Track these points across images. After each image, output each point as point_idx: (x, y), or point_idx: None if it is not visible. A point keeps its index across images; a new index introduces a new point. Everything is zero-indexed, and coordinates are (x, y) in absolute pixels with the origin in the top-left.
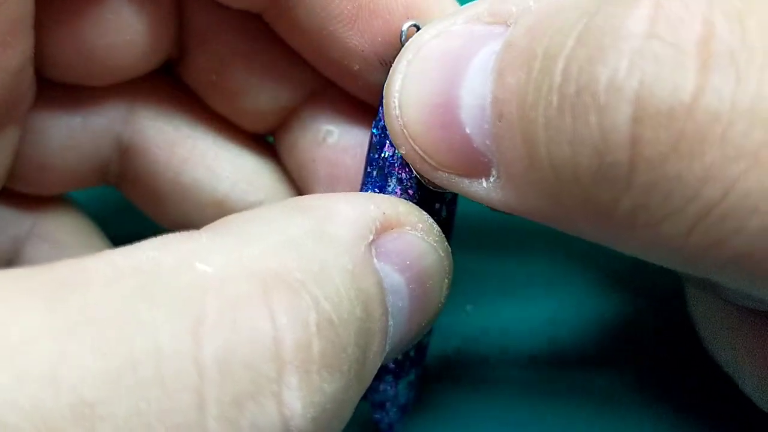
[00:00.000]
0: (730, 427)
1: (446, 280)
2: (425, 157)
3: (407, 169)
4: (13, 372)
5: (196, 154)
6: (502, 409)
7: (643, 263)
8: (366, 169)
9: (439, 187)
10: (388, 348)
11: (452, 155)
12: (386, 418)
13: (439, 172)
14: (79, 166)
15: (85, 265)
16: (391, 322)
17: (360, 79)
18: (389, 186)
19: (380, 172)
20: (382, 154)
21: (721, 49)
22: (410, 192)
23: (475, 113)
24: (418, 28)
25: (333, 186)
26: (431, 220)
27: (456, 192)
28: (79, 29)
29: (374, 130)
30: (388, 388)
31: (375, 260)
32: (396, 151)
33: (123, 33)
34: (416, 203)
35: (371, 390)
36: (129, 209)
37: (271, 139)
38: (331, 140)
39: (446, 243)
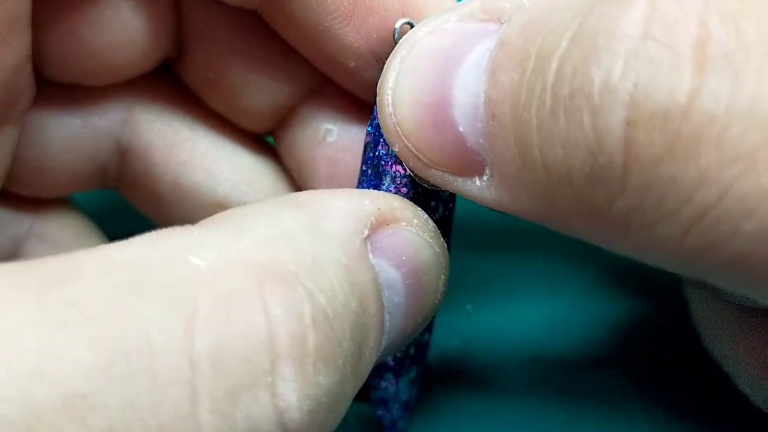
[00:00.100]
0: (729, 427)
1: (442, 276)
2: (418, 155)
3: (401, 167)
4: (2, 364)
5: (195, 155)
6: (501, 408)
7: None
8: (362, 167)
9: (434, 186)
10: (384, 344)
11: (445, 154)
12: (388, 416)
13: (433, 170)
14: (78, 169)
15: (77, 259)
16: (387, 318)
17: (356, 76)
18: (384, 184)
19: (375, 170)
20: (377, 152)
21: (717, 50)
22: (404, 190)
23: (469, 112)
24: (412, 26)
25: (333, 184)
26: (426, 216)
27: (450, 190)
28: (76, 27)
29: (369, 128)
30: (389, 385)
31: (370, 255)
32: (390, 149)
33: (121, 31)
34: (411, 201)
35: (372, 387)
36: (128, 210)
37: (271, 140)
38: (330, 139)
39: (442, 239)
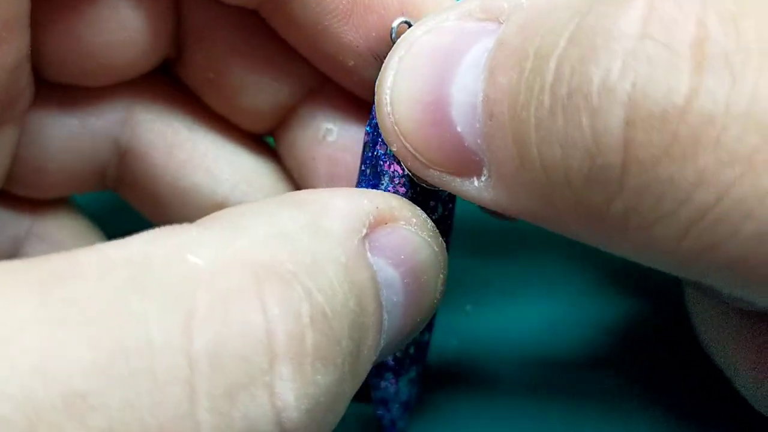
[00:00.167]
0: (729, 427)
1: (441, 276)
2: (416, 154)
3: (400, 167)
4: (3, 363)
5: (195, 156)
6: (500, 409)
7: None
8: (360, 167)
9: (432, 185)
10: (383, 343)
11: (443, 153)
12: (388, 415)
13: (431, 170)
14: (77, 170)
15: (77, 257)
16: (385, 317)
17: (355, 75)
18: (382, 184)
19: (373, 169)
20: (375, 152)
21: (716, 51)
22: (402, 189)
23: (466, 111)
24: (410, 25)
25: (333, 184)
26: (425, 215)
27: (448, 191)
28: (75, 27)
29: (368, 128)
30: (389, 385)
31: (369, 254)
32: (388, 149)
33: (120, 31)
34: (410, 200)
35: (372, 387)
36: (128, 210)
37: (271, 140)
38: (330, 138)
39: (440, 238)
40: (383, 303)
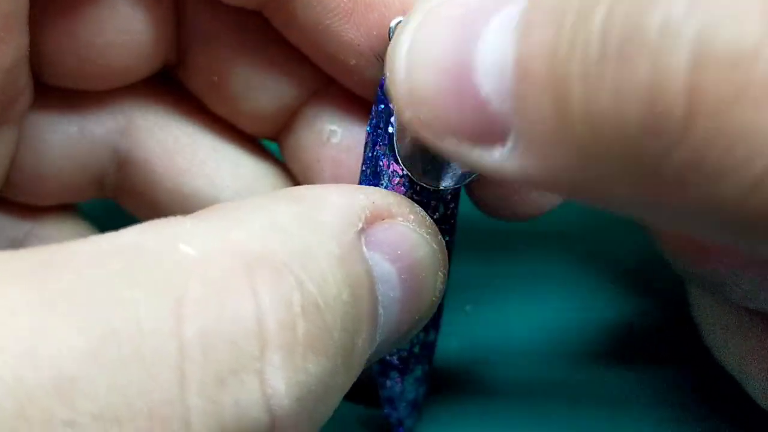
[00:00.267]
0: (731, 427)
1: (440, 274)
2: (433, 123)
3: (399, 167)
4: None
5: (195, 163)
6: (500, 409)
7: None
8: (361, 167)
9: (432, 185)
10: (379, 338)
11: (464, 120)
12: (395, 414)
13: (447, 140)
14: (75, 177)
15: (69, 247)
16: (381, 311)
17: (356, 75)
18: (382, 183)
19: (373, 169)
20: (374, 152)
21: None
22: (402, 189)
23: (494, 73)
24: None
25: None
26: (424, 212)
27: (464, 164)
28: (74, 27)
29: (368, 128)
30: (395, 384)
31: (364, 248)
32: (387, 149)
33: (120, 32)
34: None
35: (379, 386)
36: (128, 215)
37: (271, 145)
38: (334, 140)
39: (440, 237)
40: (379, 297)
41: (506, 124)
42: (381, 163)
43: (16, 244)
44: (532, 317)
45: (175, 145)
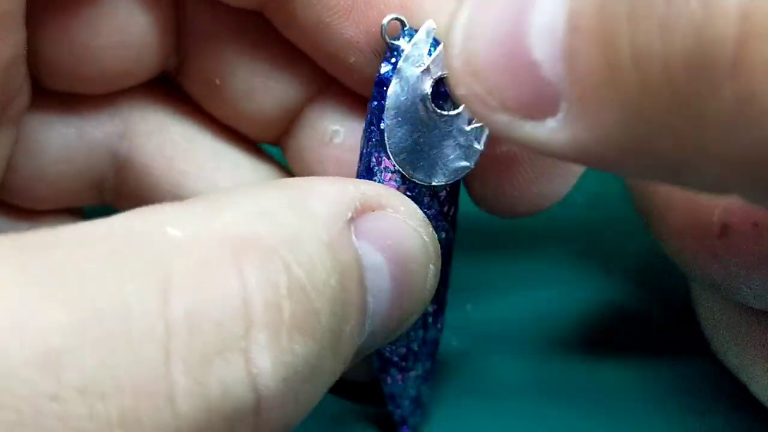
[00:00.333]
0: (732, 426)
1: (432, 267)
2: (486, 97)
3: (390, 162)
4: None
5: (195, 167)
6: (500, 408)
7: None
8: (357, 164)
9: (424, 181)
10: (369, 328)
11: (517, 89)
12: (399, 411)
13: (499, 114)
14: (73, 181)
15: (59, 231)
16: (370, 300)
17: (356, 73)
18: (375, 179)
19: (366, 165)
20: (368, 149)
21: None
22: (394, 185)
23: (546, 34)
24: (401, 21)
25: None
26: (414, 205)
27: (514, 141)
28: (71, 27)
29: (364, 125)
30: (396, 381)
31: (353, 237)
32: (379, 148)
33: (118, 34)
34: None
35: (381, 382)
36: None
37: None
38: (337, 140)
39: (432, 230)
40: (368, 286)
41: (557, 93)
42: (374, 159)
43: None
44: (533, 317)
45: (174, 149)
